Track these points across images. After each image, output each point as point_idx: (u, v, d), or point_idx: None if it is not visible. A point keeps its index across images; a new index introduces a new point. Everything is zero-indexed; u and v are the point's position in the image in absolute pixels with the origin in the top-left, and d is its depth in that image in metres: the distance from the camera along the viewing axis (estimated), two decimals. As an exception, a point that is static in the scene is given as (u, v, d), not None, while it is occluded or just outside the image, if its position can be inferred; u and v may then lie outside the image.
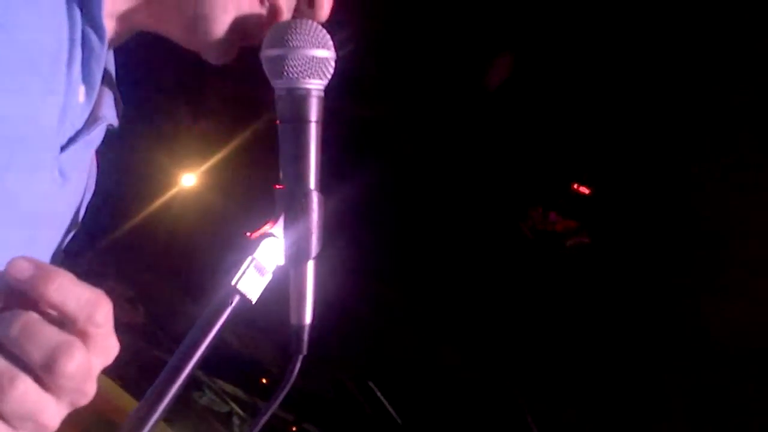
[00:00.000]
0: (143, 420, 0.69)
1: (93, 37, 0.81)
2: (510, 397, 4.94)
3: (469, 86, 3.18)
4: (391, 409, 5.60)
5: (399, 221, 3.94)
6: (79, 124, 0.85)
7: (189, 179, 4.30)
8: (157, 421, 0.71)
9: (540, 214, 3.42)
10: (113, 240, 4.57)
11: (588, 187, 3.27)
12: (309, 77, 0.80)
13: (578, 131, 3.16)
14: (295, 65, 0.79)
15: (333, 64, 0.81)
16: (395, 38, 3.15)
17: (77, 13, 0.80)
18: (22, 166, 0.76)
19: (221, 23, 0.86)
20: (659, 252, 3.49)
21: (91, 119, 0.86)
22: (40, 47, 0.76)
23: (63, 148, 0.82)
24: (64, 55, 0.79)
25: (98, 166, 0.99)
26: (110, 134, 0.95)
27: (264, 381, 6.85)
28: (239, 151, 4.02)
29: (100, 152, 0.96)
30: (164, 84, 3.70)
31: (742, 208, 3.14)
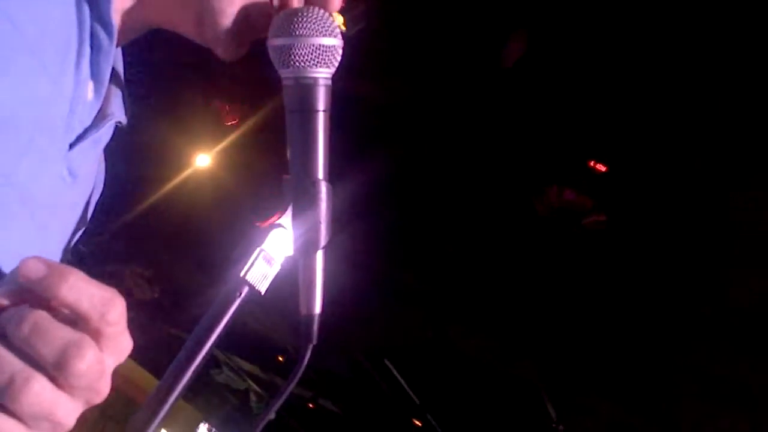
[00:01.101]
0: (152, 417, 0.69)
1: (102, 34, 0.80)
2: (527, 377, 4.95)
3: (484, 63, 3.15)
4: (408, 389, 5.63)
5: (413, 201, 3.93)
6: (87, 122, 0.84)
7: (203, 160, 4.31)
8: (168, 413, 0.72)
9: (556, 192, 3.40)
10: (129, 220, 4.61)
11: (604, 164, 3.25)
12: (316, 66, 0.78)
13: (594, 109, 3.13)
14: (301, 54, 0.78)
15: (340, 52, 0.80)
16: (409, 15, 3.12)
17: (86, 9, 0.79)
18: (32, 164, 0.75)
19: (229, 15, 0.84)
20: (676, 229, 3.47)
21: (100, 116, 0.85)
22: (49, 43, 0.75)
23: (71, 146, 0.82)
24: (73, 52, 0.78)
25: (106, 165, 0.99)
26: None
27: (280, 359, 6.92)
28: (253, 131, 4.01)
29: (111, 142, 0.96)
30: (177, 64, 3.70)
31: (761, 183, 3.11)
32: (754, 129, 2.94)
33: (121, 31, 0.85)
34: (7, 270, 0.68)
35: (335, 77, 0.81)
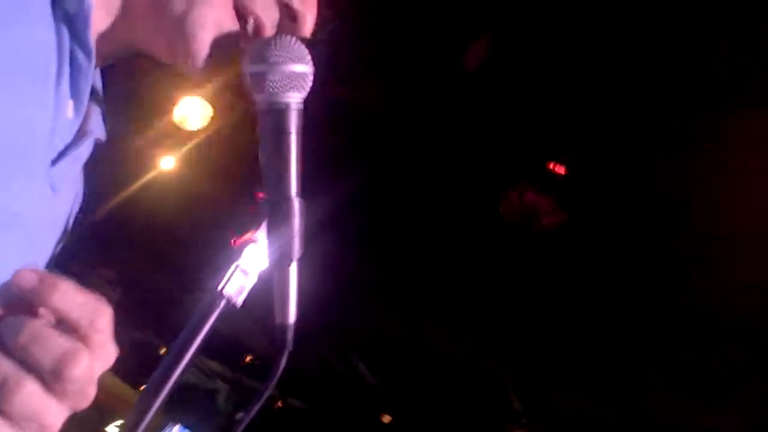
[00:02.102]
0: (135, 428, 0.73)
1: (80, 55, 0.83)
2: (493, 373, 5.01)
3: (446, 68, 3.19)
4: (375, 383, 5.67)
5: (381, 203, 3.95)
6: (68, 139, 0.86)
7: (168, 162, 4.29)
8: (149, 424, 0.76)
9: (517, 195, 3.46)
10: (93, 222, 4.56)
11: (563, 166, 3.31)
12: (289, 91, 0.83)
13: (553, 111, 3.19)
14: (275, 80, 0.82)
15: (312, 77, 0.84)
16: (373, 21, 3.15)
17: (65, 31, 0.81)
18: (17, 179, 0.78)
19: (201, 41, 0.88)
20: (635, 228, 3.54)
21: (80, 134, 0.88)
22: (30, 63, 0.78)
23: (53, 163, 0.84)
24: (53, 72, 0.81)
25: (85, 179, 1.01)
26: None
27: (248, 359, 6.91)
28: (217, 134, 4.01)
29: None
30: (142, 66, 3.68)
31: (717, 184, 3.18)
32: (709, 126, 3.02)
33: (99, 53, 0.88)
34: None
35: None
